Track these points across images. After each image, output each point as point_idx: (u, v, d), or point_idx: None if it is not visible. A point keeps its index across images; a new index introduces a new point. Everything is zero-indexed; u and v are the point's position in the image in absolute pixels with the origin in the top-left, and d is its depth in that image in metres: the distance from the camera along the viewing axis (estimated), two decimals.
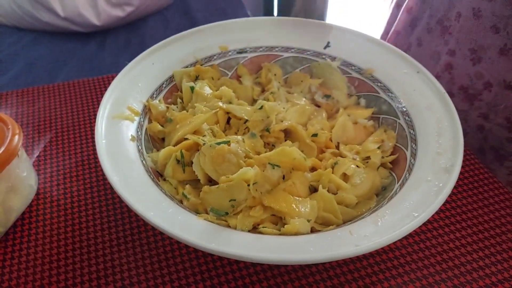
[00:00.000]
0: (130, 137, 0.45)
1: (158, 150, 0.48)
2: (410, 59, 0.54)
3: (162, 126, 0.50)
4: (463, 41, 0.62)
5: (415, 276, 0.42)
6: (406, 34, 0.75)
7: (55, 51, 1.17)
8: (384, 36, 0.84)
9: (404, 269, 0.42)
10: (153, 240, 0.45)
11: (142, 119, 0.49)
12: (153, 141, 0.49)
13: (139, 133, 0.47)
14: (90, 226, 0.46)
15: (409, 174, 0.43)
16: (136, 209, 0.35)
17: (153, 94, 0.52)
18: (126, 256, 0.43)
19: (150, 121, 0.50)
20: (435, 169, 0.41)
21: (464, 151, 0.54)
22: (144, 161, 0.43)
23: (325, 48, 0.59)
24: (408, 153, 0.46)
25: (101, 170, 0.47)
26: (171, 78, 0.54)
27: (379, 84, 0.54)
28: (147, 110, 0.50)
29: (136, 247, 0.44)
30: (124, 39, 1.17)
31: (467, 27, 0.61)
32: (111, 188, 0.49)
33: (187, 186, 0.44)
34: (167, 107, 0.52)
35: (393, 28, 0.80)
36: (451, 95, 0.65)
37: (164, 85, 0.53)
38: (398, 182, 0.43)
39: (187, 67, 0.56)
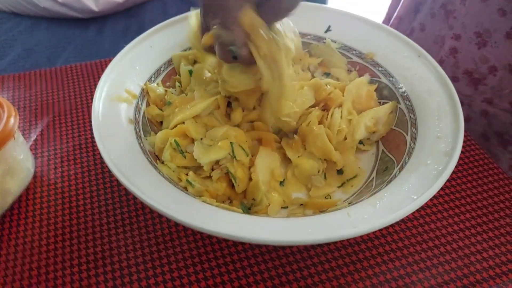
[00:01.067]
0: (128, 120, 0.44)
1: (156, 134, 0.47)
2: (411, 43, 0.53)
3: (160, 109, 0.50)
4: (469, 24, 0.61)
5: (413, 259, 0.42)
6: (409, 19, 0.75)
7: (53, 37, 1.15)
8: (387, 21, 0.83)
9: (402, 253, 0.42)
10: (151, 223, 0.44)
11: (140, 102, 0.48)
12: (151, 124, 0.49)
13: (137, 116, 0.46)
14: (87, 209, 0.46)
15: (408, 158, 0.42)
16: (132, 190, 0.35)
17: (151, 77, 0.51)
18: (124, 238, 0.43)
19: (148, 104, 0.50)
20: (435, 153, 0.41)
21: (465, 136, 0.54)
22: (142, 144, 0.43)
23: (326, 32, 0.58)
24: (408, 137, 0.46)
25: (99, 153, 0.47)
26: (169, 62, 0.54)
27: (380, 68, 0.54)
28: (145, 93, 0.50)
29: (133, 230, 0.44)
30: (123, 25, 1.16)
31: (473, 10, 0.60)
32: (109, 171, 0.49)
33: (190, 172, 0.43)
34: (166, 91, 0.52)
35: (395, 14, 0.79)
36: (455, 79, 0.64)
37: (162, 69, 0.53)
38: (397, 166, 0.43)
39: (185, 50, 0.55)
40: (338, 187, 0.45)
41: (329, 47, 0.56)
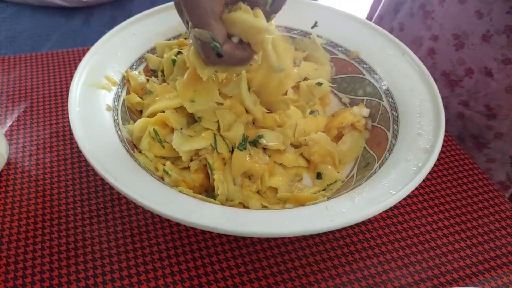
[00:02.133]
0: (106, 107, 0.43)
1: (135, 122, 0.46)
2: (396, 41, 0.53)
3: (140, 98, 0.49)
4: (447, 26, 0.61)
5: (391, 256, 0.42)
6: (389, 18, 0.75)
7: (38, 25, 1.13)
8: (368, 19, 0.83)
9: (380, 250, 0.42)
10: (127, 214, 0.43)
11: (120, 90, 0.47)
12: (130, 112, 0.48)
13: (116, 103, 0.45)
14: (61, 198, 0.45)
15: (389, 154, 0.42)
16: (106, 178, 0.34)
17: (133, 65, 0.50)
18: (98, 229, 0.42)
19: (128, 93, 0.49)
20: (415, 150, 0.41)
21: (446, 136, 0.55)
22: (119, 132, 0.42)
23: (312, 27, 0.58)
24: (389, 134, 0.46)
25: (76, 142, 0.46)
26: (152, 50, 0.53)
27: (364, 65, 0.54)
28: (125, 81, 0.48)
29: (108, 220, 0.43)
30: (110, 15, 1.14)
31: (451, 12, 0.60)
32: (85, 160, 0.48)
33: (168, 162, 0.42)
34: (147, 79, 0.51)
35: (377, 13, 0.79)
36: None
37: (144, 57, 0.52)
38: (378, 162, 0.43)
39: (169, 39, 0.54)
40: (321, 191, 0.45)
41: (314, 42, 0.56)
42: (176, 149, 0.41)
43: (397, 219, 0.45)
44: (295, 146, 0.47)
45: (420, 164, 0.38)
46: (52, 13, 1.13)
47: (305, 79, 0.53)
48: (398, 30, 0.71)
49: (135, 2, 1.18)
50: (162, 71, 0.52)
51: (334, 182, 0.43)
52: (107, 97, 0.45)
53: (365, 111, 0.50)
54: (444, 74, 0.64)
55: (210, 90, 0.43)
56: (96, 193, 0.45)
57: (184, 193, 0.36)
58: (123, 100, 0.47)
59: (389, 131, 0.46)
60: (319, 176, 0.46)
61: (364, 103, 0.52)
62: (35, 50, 1.03)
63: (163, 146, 0.43)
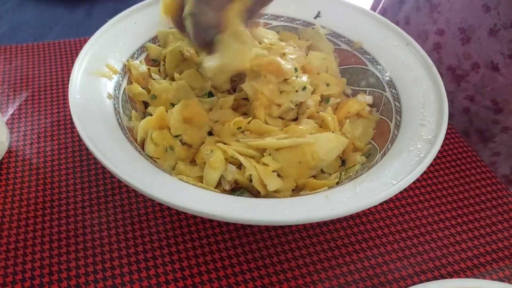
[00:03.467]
0: (107, 95, 0.43)
1: (136, 111, 0.46)
2: (400, 31, 0.53)
3: (142, 88, 0.48)
4: (453, 20, 0.61)
5: (391, 248, 0.42)
6: (393, 12, 0.74)
7: (41, 17, 1.13)
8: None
9: (381, 241, 0.42)
10: (127, 202, 0.43)
11: (120, 78, 0.47)
12: (132, 101, 0.47)
13: (117, 91, 0.45)
14: (62, 186, 0.45)
15: (391, 145, 0.42)
16: (106, 164, 0.34)
17: (134, 54, 0.50)
18: (99, 217, 0.42)
19: (130, 82, 0.49)
20: (418, 140, 0.40)
21: (450, 129, 0.54)
22: (120, 120, 0.41)
23: (315, 17, 0.57)
24: (392, 125, 0.45)
25: (77, 130, 0.46)
26: (154, 39, 0.52)
27: (367, 56, 0.53)
28: (126, 69, 0.48)
29: (109, 209, 0.43)
30: (113, 8, 1.14)
31: (458, 6, 0.59)
32: (86, 149, 0.48)
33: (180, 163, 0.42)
34: (148, 69, 0.50)
35: (380, 5, 0.78)
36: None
37: (146, 45, 0.51)
38: (380, 153, 0.42)
39: (171, 28, 0.54)
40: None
41: (317, 33, 0.55)
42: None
43: (398, 211, 0.45)
44: None
45: (422, 155, 0.38)
46: (55, 5, 1.13)
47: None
48: (404, 23, 0.70)
49: None
50: (164, 60, 0.52)
51: (353, 166, 0.42)
52: (108, 85, 0.45)
53: (369, 98, 0.50)
54: (450, 69, 0.63)
55: (202, 125, 0.43)
56: (96, 181, 0.45)
57: (184, 181, 0.36)
58: (124, 89, 0.47)
59: (391, 122, 0.46)
60: (343, 163, 0.45)
61: (367, 94, 0.51)
62: (38, 41, 1.03)
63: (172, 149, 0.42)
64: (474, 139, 0.66)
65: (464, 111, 0.65)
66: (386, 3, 0.75)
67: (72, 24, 1.10)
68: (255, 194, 0.40)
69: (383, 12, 0.76)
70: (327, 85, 0.50)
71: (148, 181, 0.34)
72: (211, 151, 0.40)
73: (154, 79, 0.49)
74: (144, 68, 0.50)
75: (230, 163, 0.40)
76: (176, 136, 0.42)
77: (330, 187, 0.38)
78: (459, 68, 0.62)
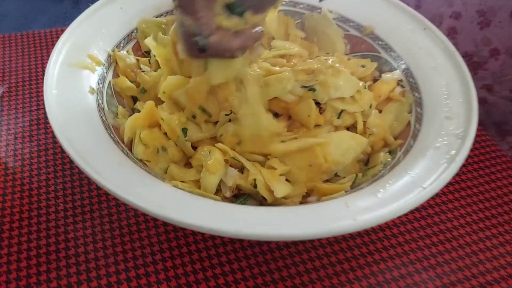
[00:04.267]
0: (89, 89, 0.38)
1: (123, 107, 0.41)
2: (416, 14, 0.48)
3: (131, 81, 0.43)
4: (471, 2, 0.56)
5: (416, 257, 0.37)
6: None
7: (25, 8, 1.07)
8: None
9: (403, 249, 0.37)
10: (115, 211, 0.38)
11: (105, 71, 0.41)
12: (118, 96, 0.42)
13: (101, 85, 0.40)
14: (42, 193, 0.40)
15: (414, 141, 0.37)
16: (87, 171, 0.29)
17: (120, 43, 0.44)
18: (83, 228, 0.37)
19: (116, 75, 0.43)
20: (445, 135, 0.35)
21: None
22: (104, 117, 0.36)
23: (320, 1, 0.52)
24: (412, 118, 0.40)
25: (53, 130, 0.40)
26: None
27: (380, 42, 0.48)
28: (111, 60, 0.43)
29: (95, 219, 0.38)
30: None
31: None
32: None
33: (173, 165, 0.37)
34: (137, 60, 0.45)
35: None
36: None
37: (134, 34, 0.46)
38: (401, 150, 0.37)
39: (161, 15, 0.48)
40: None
41: (325, 18, 0.50)
42: None
43: (419, 214, 0.40)
44: None
45: (453, 152, 0.33)
46: None
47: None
48: (415, 7, 0.65)
49: None
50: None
51: (374, 167, 0.38)
52: (91, 79, 0.39)
53: (397, 74, 0.44)
54: (466, 56, 0.58)
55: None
56: (81, 188, 0.40)
57: (179, 188, 0.31)
58: (109, 82, 0.41)
59: (411, 115, 0.41)
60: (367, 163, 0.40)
61: None
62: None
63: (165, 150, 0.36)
64: (492, 132, 0.62)
65: (481, 101, 0.60)
66: None
67: (58, 15, 1.04)
68: (260, 200, 0.35)
69: None
70: (363, 66, 0.45)
71: (136, 189, 0.29)
72: (209, 152, 0.35)
73: (143, 71, 0.43)
74: (132, 59, 0.44)
75: (230, 165, 0.35)
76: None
77: (347, 192, 0.33)
78: (476, 55, 0.58)
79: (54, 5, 1.07)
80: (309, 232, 0.27)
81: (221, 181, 0.35)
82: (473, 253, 0.37)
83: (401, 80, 0.44)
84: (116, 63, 0.43)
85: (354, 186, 0.36)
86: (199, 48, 0.31)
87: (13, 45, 0.56)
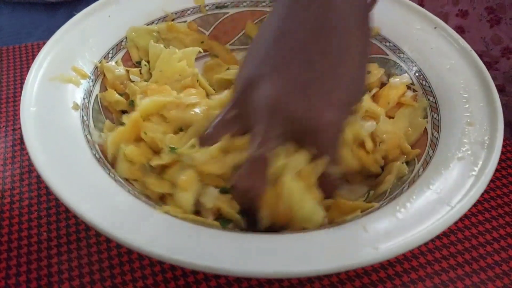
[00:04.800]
0: (73, 105, 0.34)
1: (113, 123, 0.38)
2: (425, 12, 0.45)
3: (120, 94, 0.40)
4: None
5: (439, 280, 0.33)
6: None
7: (18, 22, 1.05)
8: None
9: (432, 282, 0.33)
10: (105, 239, 0.34)
11: (91, 84, 0.38)
12: (107, 112, 0.39)
13: (86, 100, 0.36)
14: (23, 221, 0.36)
15: (433, 151, 0.33)
16: (64, 199, 0.25)
17: (108, 53, 0.41)
18: (68, 260, 0.33)
19: (104, 88, 0.40)
20: (468, 144, 0.32)
21: None
22: (88, 136, 0.33)
23: None
24: (428, 125, 0.37)
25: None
26: None
27: (387, 44, 0.45)
28: (98, 72, 0.39)
29: (81, 248, 0.34)
30: None
31: None
32: None
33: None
34: (127, 71, 0.42)
35: None
36: None
37: (123, 43, 0.43)
38: (419, 161, 0.34)
39: (153, 23, 0.45)
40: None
41: None
42: None
43: (440, 241, 0.36)
44: None
45: (480, 162, 0.29)
46: (33, 9, 1.05)
47: None
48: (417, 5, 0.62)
49: None
50: (147, 61, 0.44)
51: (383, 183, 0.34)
52: (76, 93, 0.36)
53: (406, 77, 0.41)
54: None
55: None
56: (66, 213, 0.36)
57: (171, 215, 0.27)
58: (96, 96, 0.38)
59: (427, 121, 0.37)
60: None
61: None
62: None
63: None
64: (505, 133, 0.58)
65: None
66: None
67: (52, 29, 1.01)
68: (241, 227, 0.31)
69: None
70: (368, 72, 0.41)
71: (123, 220, 0.25)
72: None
73: (133, 81, 0.40)
74: (121, 70, 0.41)
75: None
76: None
77: (363, 211, 0.29)
78: (486, 55, 0.55)
79: (48, 19, 1.05)
80: (325, 267, 0.23)
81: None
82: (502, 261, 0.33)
83: (412, 84, 0.41)
84: (104, 75, 0.40)
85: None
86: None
87: None
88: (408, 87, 0.41)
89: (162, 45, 0.43)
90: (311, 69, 0.29)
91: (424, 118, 0.38)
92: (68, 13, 1.05)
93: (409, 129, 0.38)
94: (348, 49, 0.30)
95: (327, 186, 0.31)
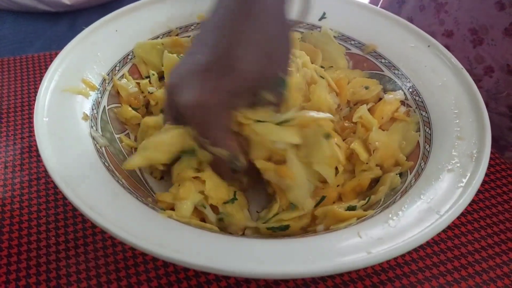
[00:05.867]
0: (83, 116, 0.36)
1: (121, 133, 0.39)
2: (418, 31, 0.47)
3: (135, 109, 0.42)
4: (463, 20, 0.55)
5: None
6: (392, 12, 0.68)
7: (21, 32, 1.06)
8: None
9: (417, 277, 0.35)
10: (111, 244, 0.36)
11: (99, 96, 0.40)
12: (114, 122, 0.40)
13: (95, 111, 0.38)
14: (32, 226, 0.37)
15: (424, 163, 0.35)
16: (79, 207, 0.27)
17: (115, 66, 0.43)
18: (76, 264, 0.35)
19: (117, 102, 0.42)
20: (458, 157, 0.34)
21: None
22: (97, 145, 0.34)
23: (320, 19, 0.51)
24: (421, 139, 0.39)
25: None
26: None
27: (382, 60, 0.47)
28: (106, 84, 0.41)
29: (88, 253, 0.35)
30: (97, 19, 1.07)
31: (467, 4, 0.54)
32: None
33: None
34: (138, 84, 0.43)
35: (379, 4, 0.72)
36: None
37: (130, 57, 0.45)
38: (411, 173, 0.36)
39: (158, 37, 0.47)
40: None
41: (326, 35, 0.49)
42: None
43: (431, 249, 0.37)
44: None
45: (468, 174, 0.31)
46: (35, 19, 1.07)
47: None
48: None
49: (123, 5, 1.12)
50: (155, 72, 0.45)
51: (376, 193, 0.35)
52: (85, 104, 0.38)
53: (399, 94, 0.43)
54: None
55: None
56: (74, 219, 0.38)
57: (174, 219, 0.29)
58: (104, 107, 0.40)
59: (419, 135, 0.39)
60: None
61: None
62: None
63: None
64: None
65: None
66: (385, 3, 0.70)
67: (54, 38, 1.03)
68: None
69: None
70: (366, 88, 0.44)
71: (132, 225, 0.27)
72: (178, 185, 0.34)
73: (150, 92, 0.43)
74: (134, 88, 0.43)
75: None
76: None
77: (359, 219, 0.31)
78: (470, 73, 0.56)
79: (50, 28, 1.07)
80: (320, 269, 0.25)
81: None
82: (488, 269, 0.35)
83: (406, 99, 0.43)
84: (118, 92, 0.42)
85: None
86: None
87: (5, 70, 0.54)
88: (402, 103, 0.43)
89: (175, 55, 0.44)
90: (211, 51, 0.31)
91: (417, 132, 0.39)
92: (69, 22, 1.07)
93: (403, 142, 0.40)
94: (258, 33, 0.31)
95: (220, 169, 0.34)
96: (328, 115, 0.34)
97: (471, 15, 0.54)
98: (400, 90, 0.43)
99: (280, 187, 0.34)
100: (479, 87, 0.55)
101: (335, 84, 0.43)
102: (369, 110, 0.42)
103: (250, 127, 0.33)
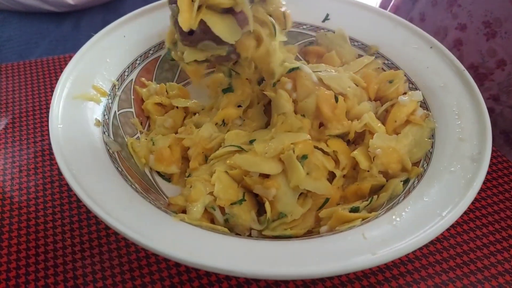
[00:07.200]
0: (95, 122, 0.37)
1: (130, 137, 0.41)
2: (421, 32, 0.47)
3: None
4: (476, 13, 0.56)
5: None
6: (406, 9, 0.69)
7: (26, 32, 1.07)
8: None
9: (426, 284, 0.36)
10: (124, 244, 0.37)
11: (110, 101, 0.41)
12: (125, 127, 0.42)
13: (106, 117, 0.39)
14: (48, 228, 0.39)
15: (427, 164, 0.36)
16: (95, 210, 0.28)
17: (124, 71, 0.44)
18: (92, 264, 0.36)
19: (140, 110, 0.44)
20: (459, 158, 0.35)
21: None
22: (110, 150, 0.36)
23: (323, 21, 0.51)
24: None
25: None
26: (146, 54, 0.46)
27: (385, 62, 0.47)
28: (116, 90, 0.42)
29: (103, 254, 0.37)
30: (101, 19, 1.08)
31: None
32: None
33: None
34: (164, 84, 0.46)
35: (391, 2, 0.73)
36: None
37: (138, 62, 0.46)
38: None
39: (163, 42, 0.48)
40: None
41: (341, 37, 0.49)
42: None
43: (434, 247, 0.38)
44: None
45: (469, 176, 0.32)
46: (40, 19, 1.08)
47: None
48: (419, 20, 0.65)
49: (127, 4, 1.12)
50: None
51: (379, 197, 0.36)
52: (96, 110, 0.39)
53: (417, 95, 0.41)
54: (472, 67, 0.58)
55: None
56: (88, 221, 0.39)
57: (186, 222, 0.30)
58: (115, 113, 0.41)
59: (432, 141, 0.40)
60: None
61: None
62: (23, 58, 0.97)
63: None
64: (499, 142, 0.61)
65: (488, 111, 0.60)
66: (398, 0, 0.70)
67: (59, 38, 1.04)
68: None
69: (395, 10, 0.71)
70: (390, 82, 0.44)
71: (145, 227, 0.28)
72: (190, 187, 0.36)
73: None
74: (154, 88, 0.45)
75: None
76: None
77: (363, 220, 0.32)
78: (482, 66, 0.57)
79: (55, 28, 1.08)
80: (327, 270, 0.26)
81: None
82: (507, 283, 0.36)
83: (424, 102, 0.41)
84: (128, 97, 0.44)
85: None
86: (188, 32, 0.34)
87: (16, 75, 0.55)
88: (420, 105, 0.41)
89: None
90: None
91: (430, 139, 0.38)
92: (73, 22, 1.08)
93: (414, 148, 0.38)
94: None
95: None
96: (303, 135, 0.36)
97: (485, 8, 0.54)
98: (419, 91, 0.42)
99: (268, 198, 0.35)
100: (491, 80, 0.56)
101: (363, 79, 0.43)
102: (386, 110, 0.42)
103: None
